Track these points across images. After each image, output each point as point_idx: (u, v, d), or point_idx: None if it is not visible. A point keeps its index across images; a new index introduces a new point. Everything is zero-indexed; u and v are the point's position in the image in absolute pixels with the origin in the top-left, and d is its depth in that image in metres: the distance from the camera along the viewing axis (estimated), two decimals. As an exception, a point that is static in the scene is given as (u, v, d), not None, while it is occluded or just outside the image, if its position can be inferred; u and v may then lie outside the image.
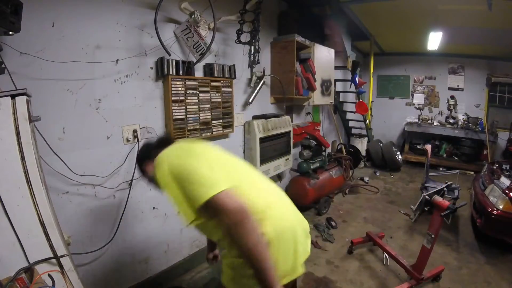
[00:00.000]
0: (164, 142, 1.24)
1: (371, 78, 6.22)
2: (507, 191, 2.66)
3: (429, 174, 3.71)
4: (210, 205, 0.90)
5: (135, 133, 1.98)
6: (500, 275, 2.44)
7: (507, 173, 3.18)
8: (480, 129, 5.46)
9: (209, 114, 2.43)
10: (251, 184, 1.12)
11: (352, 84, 5.12)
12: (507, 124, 5.27)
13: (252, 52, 2.73)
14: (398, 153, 5.80)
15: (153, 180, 1.16)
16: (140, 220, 2.09)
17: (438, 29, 4.07)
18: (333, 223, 3.32)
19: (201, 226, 1.05)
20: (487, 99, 5.79)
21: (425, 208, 2.25)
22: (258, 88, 2.91)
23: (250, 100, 2.89)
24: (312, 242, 2.93)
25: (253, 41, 2.64)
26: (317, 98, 3.78)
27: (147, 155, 1.24)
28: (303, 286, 2.30)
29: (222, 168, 1.05)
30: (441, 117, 6.22)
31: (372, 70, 6.11)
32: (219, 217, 0.92)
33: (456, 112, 6.06)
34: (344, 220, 3.51)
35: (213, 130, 2.49)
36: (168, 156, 1.06)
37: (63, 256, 1.06)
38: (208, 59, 2.39)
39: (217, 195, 0.90)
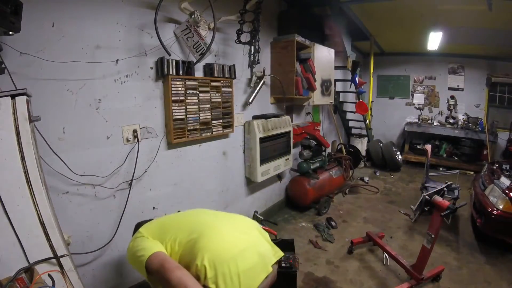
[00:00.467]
0: None
1: (371, 78, 6.22)
2: (507, 191, 2.67)
3: (429, 174, 3.71)
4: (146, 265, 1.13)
5: (135, 133, 1.98)
6: (500, 275, 2.44)
7: (507, 173, 3.18)
8: (480, 129, 5.46)
9: (209, 114, 2.43)
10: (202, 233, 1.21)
11: (352, 84, 5.11)
12: (507, 124, 5.27)
13: (252, 52, 2.73)
14: (398, 153, 5.80)
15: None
16: (140, 220, 2.09)
17: (438, 29, 4.07)
18: (333, 223, 3.32)
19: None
20: (487, 99, 5.79)
21: (425, 208, 2.25)
22: (258, 88, 2.91)
23: (250, 100, 2.89)
24: (312, 242, 2.94)
25: (253, 41, 2.64)
26: (317, 98, 3.78)
27: None
28: (303, 286, 2.30)
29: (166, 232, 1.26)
30: (441, 117, 6.23)
31: (372, 70, 6.11)
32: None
33: (456, 112, 6.06)
34: (344, 220, 3.51)
35: (213, 130, 2.49)
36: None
37: (63, 256, 1.06)
38: (208, 59, 2.39)
39: (149, 257, 1.13)
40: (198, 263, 1.09)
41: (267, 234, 1.40)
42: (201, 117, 2.36)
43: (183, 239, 1.19)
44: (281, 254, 1.36)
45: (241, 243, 1.21)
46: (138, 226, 1.55)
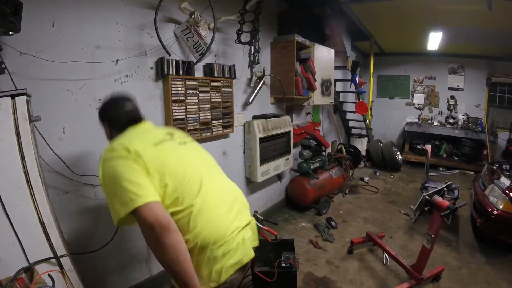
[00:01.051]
0: (130, 120, 1.21)
1: (371, 78, 6.22)
2: (507, 191, 2.66)
3: (429, 174, 3.71)
4: (135, 214, 0.93)
5: (135, 133, 1.98)
6: (500, 275, 2.44)
7: (507, 173, 3.18)
8: (480, 129, 5.46)
9: (209, 114, 2.43)
10: (194, 188, 1.08)
11: (352, 84, 5.12)
12: (507, 124, 5.27)
13: (252, 52, 2.73)
14: (398, 153, 5.80)
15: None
16: (140, 220, 2.09)
17: (438, 29, 4.08)
18: (333, 223, 3.32)
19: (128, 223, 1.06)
20: (487, 99, 5.79)
21: (425, 208, 2.25)
22: (258, 88, 2.91)
23: (250, 100, 2.89)
24: (312, 242, 2.94)
25: (253, 41, 2.64)
26: (317, 98, 3.78)
27: (108, 118, 1.27)
28: (303, 286, 2.30)
29: (162, 173, 1.02)
30: (441, 117, 6.22)
31: (372, 70, 6.11)
32: (140, 227, 0.94)
33: (456, 112, 6.06)
34: (344, 220, 3.51)
35: (213, 130, 2.49)
36: (112, 158, 1.00)
37: (63, 256, 1.06)
38: (208, 59, 2.39)
39: (140, 207, 0.91)
40: (190, 238, 1.02)
41: (254, 221, 1.33)
42: (201, 117, 2.36)
43: (178, 197, 1.02)
44: (257, 244, 1.29)
45: (234, 225, 1.13)
46: (126, 114, 1.24)
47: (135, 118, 1.24)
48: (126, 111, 1.24)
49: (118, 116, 1.23)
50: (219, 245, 1.05)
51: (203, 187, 1.08)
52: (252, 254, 1.19)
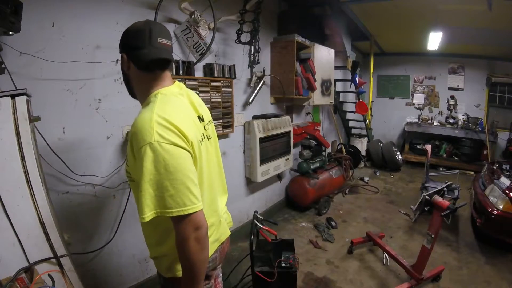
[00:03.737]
0: (161, 60, 0.96)
1: (371, 78, 6.22)
2: (507, 191, 2.66)
3: (429, 174, 3.71)
4: (183, 218, 0.84)
5: (135, 133, 1.98)
6: (500, 275, 2.44)
7: (507, 173, 3.18)
8: (480, 129, 5.46)
9: (209, 114, 2.43)
10: (206, 191, 1.06)
11: (352, 84, 5.12)
12: (507, 124, 5.27)
13: (252, 52, 2.72)
14: (398, 153, 5.80)
15: (124, 78, 1.03)
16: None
17: (438, 29, 4.07)
18: (333, 223, 3.32)
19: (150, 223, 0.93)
20: (487, 99, 5.79)
21: (425, 208, 2.25)
22: (258, 88, 2.91)
23: (250, 100, 2.89)
24: (312, 242, 2.94)
25: (253, 41, 2.64)
26: (317, 98, 3.78)
27: (133, 45, 0.95)
28: (303, 286, 2.30)
29: (201, 173, 0.99)
30: (441, 117, 6.22)
31: (372, 70, 6.11)
32: (182, 229, 0.85)
33: (456, 112, 6.06)
34: (344, 220, 3.51)
35: (213, 130, 2.49)
36: (171, 142, 0.84)
37: (63, 256, 1.07)
38: (208, 59, 2.39)
39: (198, 212, 0.86)
40: None
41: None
42: (201, 117, 2.36)
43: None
44: (231, 225, 1.32)
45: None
46: None
47: (167, 60, 0.99)
48: (159, 44, 0.94)
49: (148, 46, 0.93)
50: None
51: (206, 191, 1.06)
52: (228, 232, 1.23)
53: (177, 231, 0.87)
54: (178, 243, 0.88)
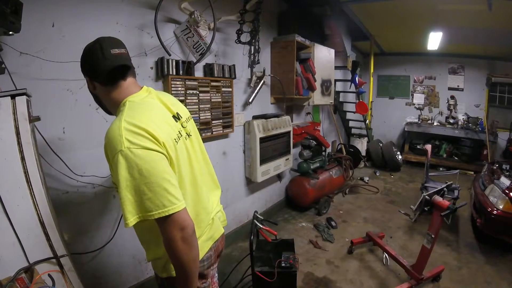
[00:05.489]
0: (117, 69, 0.97)
1: (371, 78, 6.22)
2: (507, 191, 2.66)
3: (429, 174, 3.71)
4: (166, 219, 0.85)
5: (135, 133, 1.98)
6: (500, 275, 2.44)
7: (507, 173, 3.18)
8: (480, 129, 5.46)
9: (209, 114, 2.43)
10: (190, 190, 1.06)
11: (352, 84, 5.12)
12: (507, 124, 5.27)
13: (252, 52, 2.72)
14: (398, 153, 5.80)
15: (95, 99, 1.10)
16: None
17: (438, 29, 4.08)
18: (333, 223, 3.32)
19: (139, 227, 0.99)
20: (487, 99, 5.79)
21: (425, 208, 2.25)
22: (258, 88, 2.91)
23: (250, 100, 2.89)
24: (312, 242, 2.94)
25: (253, 41, 2.64)
26: (317, 98, 3.78)
27: (89, 67, 1.00)
28: (303, 286, 2.30)
29: (180, 172, 0.98)
30: (441, 117, 6.22)
31: (372, 70, 6.11)
32: (166, 230, 0.86)
33: (456, 112, 6.06)
34: (344, 220, 3.51)
35: (213, 130, 2.49)
36: (141, 147, 0.84)
37: (63, 256, 1.06)
38: (208, 59, 2.39)
39: (181, 211, 0.86)
40: None
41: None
42: (201, 117, 2.36)
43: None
44: (225, 224, 1.31)
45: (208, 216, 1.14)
46: None
47: (125, 66, 1.02)
48: (113, 55, 0.97)
49: (103, 60, 0.95)
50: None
51: (189, 190, 1.05)
52: (222, 230, 1.23)
53: (162, 232, 0.87)
54: (166, 245, 0.88)
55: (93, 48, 0.98)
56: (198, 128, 2.31)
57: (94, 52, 0.97)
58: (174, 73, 2.11)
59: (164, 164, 0.88)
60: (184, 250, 0.87)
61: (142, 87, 1.07)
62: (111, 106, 1.03)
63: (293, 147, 3.63)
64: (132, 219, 0.84)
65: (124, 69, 1.01)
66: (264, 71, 2.97)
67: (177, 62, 2.13)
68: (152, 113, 0.96)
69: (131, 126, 0.85)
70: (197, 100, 2.31)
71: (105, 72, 0.95)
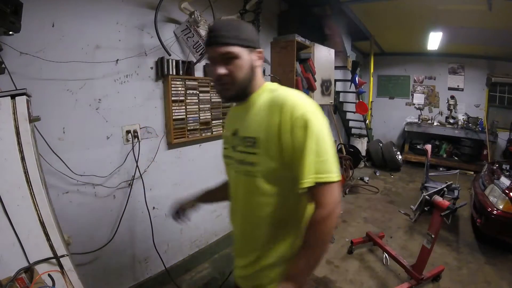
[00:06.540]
0: None
1: (371, 78, 6.22)
2: (507, 191, 2.66)
3: (429, 174, 3.71)
4: (322, 188, 0.80)
5: (135, 133, 1.98)
6: (500, 275, 2.44)
7: (507, 173, 3.18)
8: (480, 129, 5.46)
9: (209, 114, 2.43)
10: None
11: (352, 84, 5.12)
12: (507, 124, 5.27)
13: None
14: (398, 153, 5.80)
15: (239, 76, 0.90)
16: (140, 220, 2.09)
17: (438, 29, 4.07)
18: (333, 223, 3.31)
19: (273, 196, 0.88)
20: (487, 99, 5.79)
21: (425, 208, 2.25)
22: (258, 88, 2.91)
23: (250, 100, 2.89)
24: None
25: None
26: (317, 98, 3.77)
27: (255, 44, 0.92)
28: (303, 286, 2.29)
29: None
30: (441, 117, 6.22)
31: (372, 70, 6.11)
32: (330, 201, 0.80)
33: (456, 112, 6.06)
34: (344, 220, 3.51)
35: (213, 130, 2.49)
36: (322, 117, 0.85)
37: (63, 256, 1.06)
38: (208, 59, 2.39)
39: (335, 183, 0.81)
40: None
41: None
42: (201, 117, 2.36)
43: None
44: None
45: None
46: None
47: None
48: None
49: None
50: None
51: None
52: None
53: (322, 204, 0.80)
54: (321, 219, 0.80)
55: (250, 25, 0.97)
56: (198, 128, 2.33)
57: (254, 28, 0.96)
58: (174, 73, 2.11)
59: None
60: (332, 229, 0.83)
61: None
62: (255, 81, 0.97)
63: (293, 147, 3.62)
64: (310, 179, 0.79)
65: None
66: (264, 71, 2.97)
67: (177, 62, 2.13)
68: None
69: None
70: (197, 100, 2.31)
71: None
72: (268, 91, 0.96)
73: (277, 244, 0.92)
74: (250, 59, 0.91)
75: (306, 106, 0.83)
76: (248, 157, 0.89)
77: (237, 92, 0.93)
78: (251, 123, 0.91)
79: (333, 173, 0.81)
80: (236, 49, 0.86)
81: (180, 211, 1.30)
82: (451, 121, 5.98)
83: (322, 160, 0.80)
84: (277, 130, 0.83)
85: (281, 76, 3.23)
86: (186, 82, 2.20)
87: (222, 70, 0.87)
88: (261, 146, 0.86)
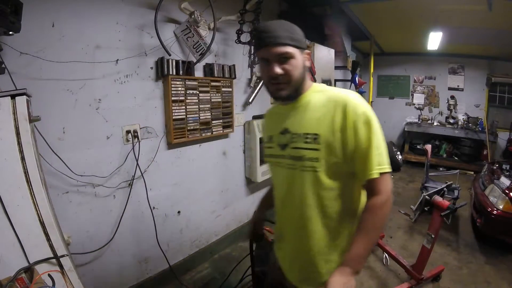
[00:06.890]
0: None
1: (371, 78, 6.21)
2: (507, 191, 2.67)
3: (429, 174, 3.71)
4: (381, 177, 0.89)
5: (135, 133, 1.98)
6: (500, 275, 2.44)
7: (507, 173, 3.18)
8: (480, 129, 5.46)
9: (209, 114, 2.43)
10: None
11: (352, 84, 5.11)
12: (507, 124, 5.27)
13: (252, 52, 2.72)
14: (398, 153, 5.80)
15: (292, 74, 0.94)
16: (140, 220, 2.09)
17: (438, 29, 4.07)
18: (333, 223, 3.31)
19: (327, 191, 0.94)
20: (487, 99, 5.78)
21: (425, 208, 2.25)
22: (258, 88, 2.91)
23: (250, 100, 2.89)
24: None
25: (253, 41, 2.64)
26: (317, 98, 3.77)
27: (304, 46, 1.02)
28: (303, 286, 2.29)
29: None
30: (441, 117, 6.22)
31: (372, 70, 6.10)
32: (386, 189, 0.90)
33: (456, 112, 6.06)
34: (344, 220, 3.51)
35: (213, 130, 2.49)
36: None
37: (63, 256, 1.06)
38: (208, 59, 2.39)
39: (389, 173, 0.91)
40: None
41: None
42: (201, 117, 2.36)
43: None
44: None
45: None
46: None
47: None
48: None
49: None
50: None
51: None
52: None
53: (380, 192, 0.89)
54: (380, 204, 0.89)
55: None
56: (198, 128, 2.33)
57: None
58: (174, 73, 2.11)
59: None
60: (389, 214, 0.92)
61: None
62: (304, 82, 1.01)
63: (293, 147, 3.62)
64: (376, 170, 0.89)
65: None
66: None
67: (177, 62, 2.13)
68: None
69: None
70: (197, 100, 2.31)
71: None
72: (320, 91, 1.01)
73: (336, 235, 0.98)
74: (303, 59, 0.98)
75: (365, 105, 0.91)
76: (310, 153, 0.93)
77: (292, 91, 0.97)
78: (309, 121, 0.95)
79: (388, 164, 0.90)
80: (291, 49, 0.94)
81: (259, 231, 1.46)
82: (451, 121, 5.97)
83: (380, 152, 0.89)
84: (340, 126, 0.89)
85: (281, 76, 3.23)
86: (186, 82, 2.20)
87: (279, 70, 0.92)
88: (322, 142, 0.91)
